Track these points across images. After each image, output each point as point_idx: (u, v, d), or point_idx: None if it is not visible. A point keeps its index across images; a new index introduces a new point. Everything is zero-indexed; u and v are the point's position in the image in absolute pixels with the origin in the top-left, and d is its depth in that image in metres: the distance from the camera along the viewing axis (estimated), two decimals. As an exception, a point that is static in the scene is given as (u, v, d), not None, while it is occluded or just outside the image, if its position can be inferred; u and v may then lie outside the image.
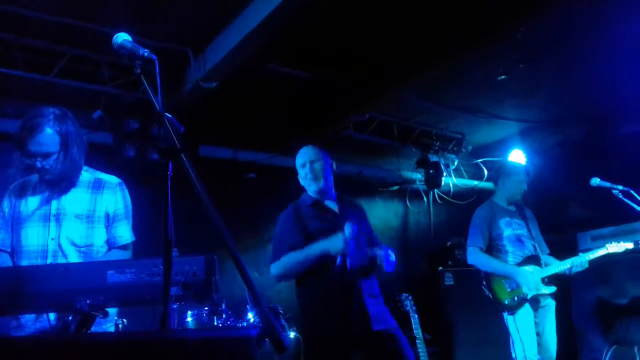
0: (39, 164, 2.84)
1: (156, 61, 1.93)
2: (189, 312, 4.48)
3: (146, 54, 1.97)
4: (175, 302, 2.41)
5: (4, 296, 2.08)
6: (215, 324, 4.40)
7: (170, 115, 1.85)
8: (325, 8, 4.44)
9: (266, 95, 5.86)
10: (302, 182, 3.75)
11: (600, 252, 4.68)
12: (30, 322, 2.80)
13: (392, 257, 3.47)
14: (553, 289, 4.65)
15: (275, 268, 3.51)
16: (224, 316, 4.47)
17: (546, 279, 4.65)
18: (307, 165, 3.67)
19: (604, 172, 4.77)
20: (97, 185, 3.04)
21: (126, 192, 3.12)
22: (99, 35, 4.63)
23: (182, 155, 1.75)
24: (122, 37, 2.04)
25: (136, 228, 3.22)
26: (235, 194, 6.20)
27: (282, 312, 4.69)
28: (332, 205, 3.71)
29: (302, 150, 3.77)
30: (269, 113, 6.18)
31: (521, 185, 4.99)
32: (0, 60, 4.77)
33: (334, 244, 3.30)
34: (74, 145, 2.91)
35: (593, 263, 4.71)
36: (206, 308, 4.46)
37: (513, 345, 4.54)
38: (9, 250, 2.97)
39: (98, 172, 3.11)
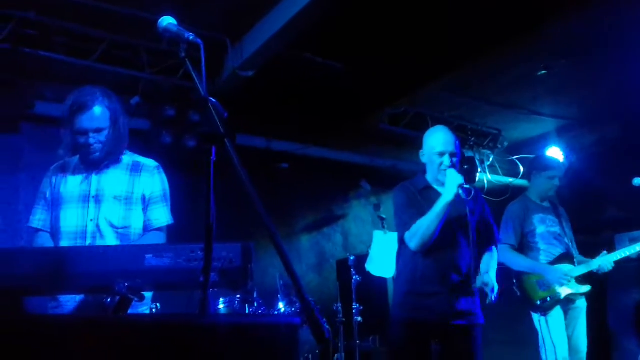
0: (92, 140, 2.91)
1: (202, 45, 1.91)
2: (221, 300, 4.49)
3: (192, 37, 1.95)
4: (210, 289, 2.41)
5: (43, 277, 2.09)
6: (247, 312, 4.41)
7: (214, 100, 1.83)
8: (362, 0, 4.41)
9: (301, 85, 5.85)
10: (428, 165, 3.64)
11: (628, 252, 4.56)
12: (69, 303, 2.84)
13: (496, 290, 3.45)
14: (587, 288, 4.53)
15: (410, 235, 3.46)
16: (255, 305, 4.47)
17: (580, 278, 4.53)
18: (446, 157, 3.50)
19: (642, 172, 4.66)
20: (136, 168, 3.08)
21: (164, 175, 3.16)
22: (138, 21, 4.67)
23: (226, 140, 1.74)
24: (167, 21, 2.03)
25: (172, 214, 3.24)
26: (268, 183, 6.21)
27: (313, 303, 4.67)
28: (442, 191, 3.52)
29: (445, 135, 3.59)
30: (303, 103, 6.16)
31: (553, 182, 4.80)
32: (41, 44, 4.83)
33: (448, 187, 3.35)
34: (121, 122, 3.00)
35: (631, 266, 4.58)
36: (238, 296, 4.46)
37: (544, 346, 4.40)
38: (48, 230, 3.02)
39: (136, 155, 3.16)
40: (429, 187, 3.62)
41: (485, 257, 3.65)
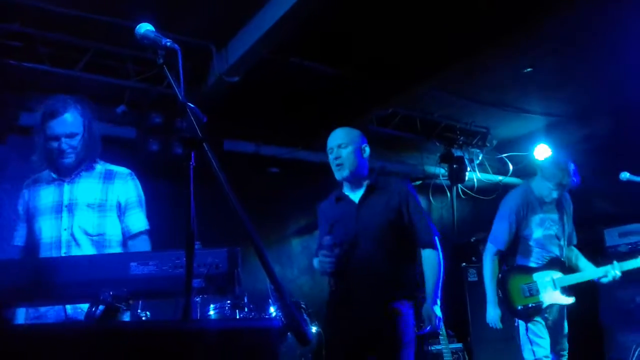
0: (64, 145, 2.92)
1: (179, 51, 1.92)
2: (212, 306, 4.49)
3: (169, 44, 1.96)
4: (197, 295, 2.41)
5: (28, 287, 2.09)
6: (238, 317, 4.41)
7: (192, 105, 1.83)
8: (348, 2, 4.41)
9: (289, 89, 5.86)
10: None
11: (635, 264, 4.30)
12: (50, 312, 2.85)
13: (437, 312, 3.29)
14: (571, 300, 4.31)
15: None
16: (246, 310, 4.47)
17: (566, 288, 4.31)
18: (334, 151, 3.42)
19: (632, 167, 4.64)
20: (109, 176, 3.10)
21: (137, 181, 3.17)
22: (122, 29, 4.65)
23: (205, 145, 1.74)
24: (144, 27, 2.03)
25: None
26: (258, 188, 6.20)
27: (304, 306, 4.67)
28: (355, 194, 3.46)
29: (332, 133, 3.51)
30: (292, 107, 6.17)
31: (551, 193, 4.37)
32: (26, 55, 4.82)
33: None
34: (93, 128, 3.02)
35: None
36: (228, 301, 4.46)
37: (523, 346, 4.24)
38: (25, 245, 3.04)
39: (108, 164, 3.17)
40: (339, 189, 3.56)
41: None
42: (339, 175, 3.41)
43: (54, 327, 2.26)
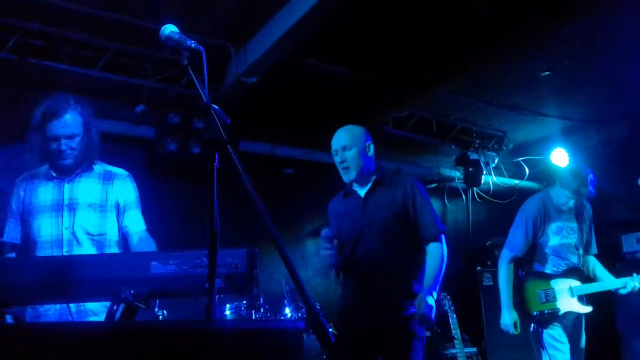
0: (64, 146, 2.92)
1: (203, 52, 1.92)
2: (228, 305, 4.50)
3: (193, 45, 1.96)
4: (216, 295, 2.41)
5: (48, 285, 2.10)
6: (253, 317, 4.42)
7: (217, 107, 1.84)
8: (366, 4, 4.40)
9: (305, 90, 5.85)
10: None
11: None
12: (50, 312, 2.85)
13: (430, 302, 3.16)
14: (589, 309, 4.28)
15: None
16: (261, 310, 4.48)
17: (584, 297, 4.27)
18: (338, 153, 3.41)
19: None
20: (108, 176, 3.12)
21: (134, 183, 3.20)
22: (141, 29, 4.69)
23: (229, 146, 1.74)
24: (169, 29, 2.03)
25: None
26: (273, 189, 6.20)
27: (319, 307, 4.67)
28: (362, 189, 3.46)
29: (335, 134, 3.49)
30: (308, 108, 6.17)
31: (568, 201, 4.34)
32: (46, 54, 4.86)
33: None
34: (93, 129, 3.02)
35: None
36: (244, 302, 4.47)
37: (539, 354, 4.21)
38: (18, 242, 3.03)
39: (107, 165, 3.19)
40: (347, 185, 3.54)
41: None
42: (346, 178, 3.43)
43: (74, 325, 2.27)
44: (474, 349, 5.93)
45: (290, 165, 6.70)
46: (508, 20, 4.72)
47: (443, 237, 3.36)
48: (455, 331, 4.79)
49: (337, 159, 3.43)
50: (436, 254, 3.30)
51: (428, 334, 3.38)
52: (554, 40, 5.13)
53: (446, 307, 4.93)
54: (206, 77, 1.87)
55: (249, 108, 5.80)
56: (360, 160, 3.39)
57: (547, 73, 5.69)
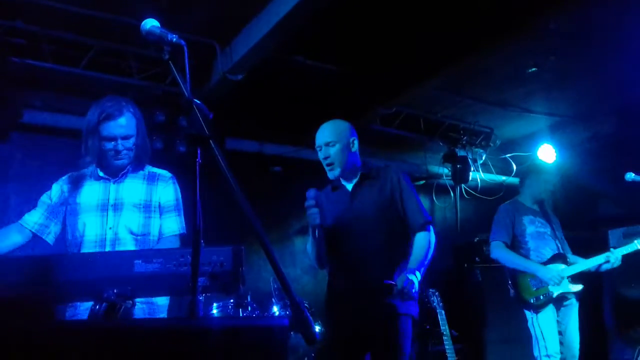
0: (120, 146, 2.95)
1: (185, 47, 1.90)
2: (215, 304, 4.48)
3: (174, 39, 1.94)
4: (201, 293, 2.38)
5: (31, 285, 2.07)
6: (241, 316, 4.39)
7: (199, 102, 1.81)
8: (352, 0, 4.39)
9: (292, 88, 5.84)
10: None
11: (631, 248, 4.55)
12: (85, 310, 2.81)
13: (413, 280, 3.08)
14: (580, 287, 4.56)
15: None
16: (249, 309, 4.46)
17: (573, 277, 4.56)
18: (322, 149, 3.38)
19: (636, 168, 4.65)
20: (152, 178, 3.14)
21: (177, 185, 3.22)
22: (126, 27, 4.65)
23: (211, 142, 1.72)
24: (150, 23, 2.01)
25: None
26: (261, 187, 6.19)
27: (307, 305, 4.65)
28: (349, 183, 3.44)
29: (319, 129, 3.45)
30: (295, 106, 6.15)
31: (547, 185, 4.94)
32: (29, 52, 4.81)
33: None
34: (145, 129, 3.08)
35: (629, 261, 4.58)
36: (232, 300, 4.45)
37: (536, 343, 4.50)
38: (45, 238, 3.01)
39: (151, 166, 3.20)
40: (332, 182, 3.50)
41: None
42: (331, 175, 3.40)
43: (57, 325, 2.24)
44: (463, 345, 5.94)
45: (278, 163, 6.68)
46: (495, 16, 4.72)
47: (431, 227, 3.36)
48: (444, 327, 4.80)
49: (320, 155, 3.41)
50: (423, 240, 3.29)
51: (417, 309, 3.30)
52: (541, 36, 5.14)
53: (435, 304, 4.93)
54: (187, 71, 1.84)
55: (236, 106, 5.78)
56: (344, 156, 3.37)
57: (534, 69, 5.70)
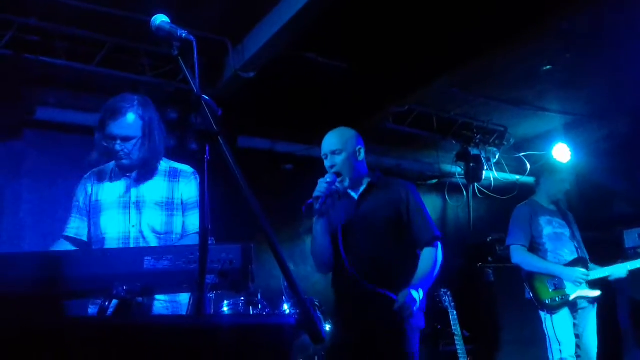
0: (118, 147, 2.88)
1: (194, 42, 1.89)
2: (225, 302, 4.47)
3: (184, 34, 1.93)
4: (211, 291, 2.38)
5: (41, 280, 2.07)
6: (251, 314, 4.39)
7: (207, 98, 1.80)
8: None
9: (304, 85, 5.82)
10: None
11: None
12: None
13: (415, 296, 3.07)
14: (598, 292, 4.55)
15: None
16: (259, 307, 4.45)
17: (592, 282, 4.54)
18: (328, 157, 3.37)
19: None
20: (173, 174, 3.07)
21: (199, 181, 3.13)
22: (138, 24, 4.64)
23: (220, 138, 1.70)
24: (160, 19, 2.00)
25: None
26: (272, 185, 6.18)
27: (317, 304, 4.64)
28: (356, 190, 3.43)
29: (325, 137, 3.44)
30: (307, 104, 6.13)
31: (564, 184, 4.90)
32: (42, 49, 4.83)
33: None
34: (156, 133, 2.96)
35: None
36: (242, 298, 4.44)
37: (550, 345, 4.48)
38: (84, 239, 3.01)
39: (172, 161, 3.14)
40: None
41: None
42: (340, 186, 3.35)
43: (65, 320, 2.24)
44: (475, 346, 5.89)
45: (289, 161, 6.67)
46: (509, 14, 4.68)
47: (439, 243, 3.33)
48: (456, 327, 4.77)
49: (327, 163, 3.39)
50: (430, 257, 3.28)
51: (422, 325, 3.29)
52: (556, 35, 5.09)
53: (447, 303, 4.90)
54: (197, 67, 1.83)
55: (248, 103, 5.77)
56: (351, 165, 3.35)
57: (548, 67, 5.64)
